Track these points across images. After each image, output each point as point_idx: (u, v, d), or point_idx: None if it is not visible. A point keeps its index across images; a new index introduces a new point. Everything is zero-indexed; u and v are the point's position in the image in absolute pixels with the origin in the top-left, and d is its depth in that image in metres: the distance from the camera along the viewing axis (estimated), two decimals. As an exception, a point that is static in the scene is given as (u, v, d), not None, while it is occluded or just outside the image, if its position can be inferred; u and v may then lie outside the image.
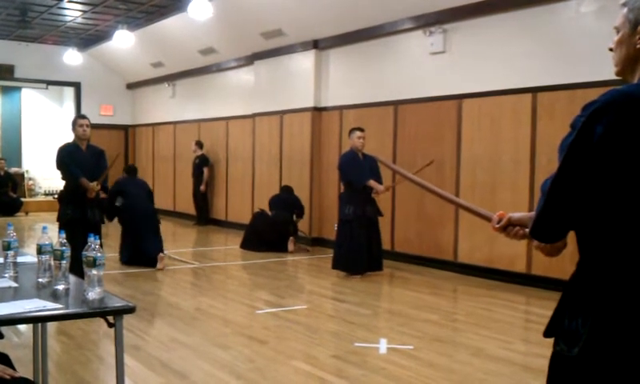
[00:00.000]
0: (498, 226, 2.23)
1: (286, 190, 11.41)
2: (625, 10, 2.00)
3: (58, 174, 7.69)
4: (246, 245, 10.99)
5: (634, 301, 1.81)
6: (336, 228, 8.91)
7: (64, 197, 7.60)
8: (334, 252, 8.81)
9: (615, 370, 1.83)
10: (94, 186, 7.35)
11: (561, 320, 1.96)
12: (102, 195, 7.78)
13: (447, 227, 9.15)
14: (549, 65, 7.96)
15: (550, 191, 1.88)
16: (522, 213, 2.22)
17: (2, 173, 16.49)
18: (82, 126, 7.53)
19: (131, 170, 10.22)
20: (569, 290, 1.97)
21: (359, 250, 8.45)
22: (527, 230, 2.13)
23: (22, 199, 17.34)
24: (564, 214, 1.89)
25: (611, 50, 2.09)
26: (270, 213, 11.12)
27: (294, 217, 11.06)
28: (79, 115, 7.98)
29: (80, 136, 7.54)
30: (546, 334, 2.03)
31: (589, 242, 1.92)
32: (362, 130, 8.74)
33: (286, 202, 11.14)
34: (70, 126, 7.69)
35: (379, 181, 8.55)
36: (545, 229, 1.94)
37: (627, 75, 2.05)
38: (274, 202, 11.24)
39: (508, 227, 2.21)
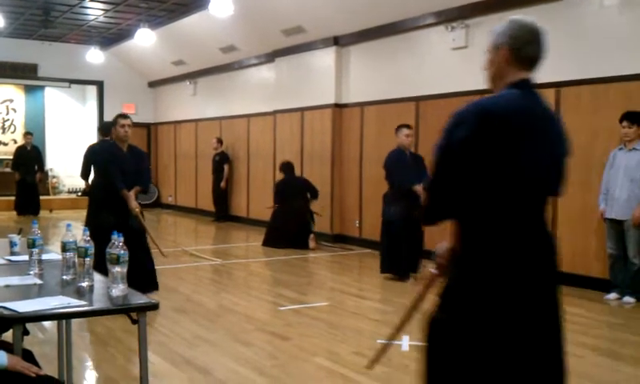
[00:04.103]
0: (437, 271, 2.59)
1: (289, 171, 11.26)
2: (491, 36, 2.50)
3: (80, 173, 7.53)
4: (268, 242, 11.01)
5: (491, 275, 2.27)
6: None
7: (103, 201, 6.88)
8: (381, 255, 8.45)
9: (478, 333, 2.28)
10: (134, 206, 6.73)
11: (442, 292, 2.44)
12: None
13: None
14: (572, 59, 7.87)
15: (430, 187, 2.37)
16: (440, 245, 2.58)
17: (29, 147, 15.84)
18: (123, 126, 6.84)
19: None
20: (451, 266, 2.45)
21: (400, 252, 8.05)
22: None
23: (46, 197, 17.45)
24: (443, 205, 2.35)
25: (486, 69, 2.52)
26: (278, 202, 11.08)
27: (309, 201, 10.97)
28: (120, 114, 7.10)
29: (121, 137, 6.85)
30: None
31: (463, 225, 2.37)
32: (409, 126, 8.38)
33: (295, 187, 11.05)
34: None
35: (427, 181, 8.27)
36: (431, 217, 2.43)
37: (495, 89, 2.49)
38: (283, 189, 11.13)
39: (438, 262, 2.57)
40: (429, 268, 2.54)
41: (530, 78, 2.45)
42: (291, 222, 10.80)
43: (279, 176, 11.64)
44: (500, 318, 2.28)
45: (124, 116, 7.00)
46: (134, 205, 6.73)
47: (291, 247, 10.62)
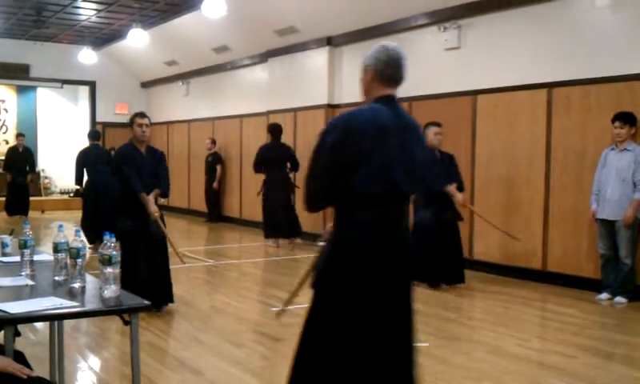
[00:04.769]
0: None
1: (277, 134, 11.17)
2: (363, 59, 2.99)
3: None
4: (269, 234, 11.14)
5: (345, 254, 2.81)
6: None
7: (121, 203, 6.46)
8: None
9: (333, 303, 2.86)
10: (154, 211, 6.28)
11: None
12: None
13: (462, 226, 9.09)
14: (564, 60, 7.89)
15: (306, 181, 2.87)
16: None
17: (21, 149, 15.66)
18: (140, 125, 6.33)
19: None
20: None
21: (430, 258, 7.46)
22: None
23: (38, 198, 17.37)
24: (316, 196, 2.88)
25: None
26: (259, 169, 11.18)
27: (289, 171, 11.07)
28: (138, 113, 6.53)
29: (139, 137, 6.34)
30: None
31: (335, 211, 2.89)
32: (439, 124, 7.75)
33: (278, 155, 11.01)
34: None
35: (459, 183, 7.74)
36: (308, 206, 2.92)
37: (366, 101, 2.98)
38: (265, 155, 11.09)
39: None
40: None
41: (392, 94, 2.95)
42: (280, 208, 10.90)
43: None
44: (351, 296, 2.82)
45: (141, 115, 6.45)
46: (153, 209, 6.26)
47: (289, 235, 10.83)
